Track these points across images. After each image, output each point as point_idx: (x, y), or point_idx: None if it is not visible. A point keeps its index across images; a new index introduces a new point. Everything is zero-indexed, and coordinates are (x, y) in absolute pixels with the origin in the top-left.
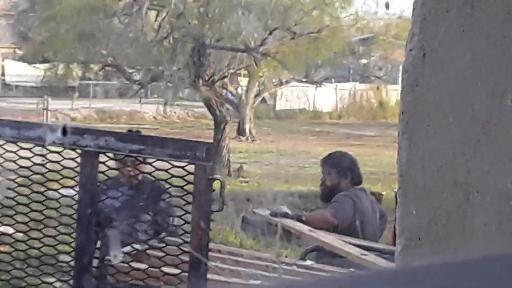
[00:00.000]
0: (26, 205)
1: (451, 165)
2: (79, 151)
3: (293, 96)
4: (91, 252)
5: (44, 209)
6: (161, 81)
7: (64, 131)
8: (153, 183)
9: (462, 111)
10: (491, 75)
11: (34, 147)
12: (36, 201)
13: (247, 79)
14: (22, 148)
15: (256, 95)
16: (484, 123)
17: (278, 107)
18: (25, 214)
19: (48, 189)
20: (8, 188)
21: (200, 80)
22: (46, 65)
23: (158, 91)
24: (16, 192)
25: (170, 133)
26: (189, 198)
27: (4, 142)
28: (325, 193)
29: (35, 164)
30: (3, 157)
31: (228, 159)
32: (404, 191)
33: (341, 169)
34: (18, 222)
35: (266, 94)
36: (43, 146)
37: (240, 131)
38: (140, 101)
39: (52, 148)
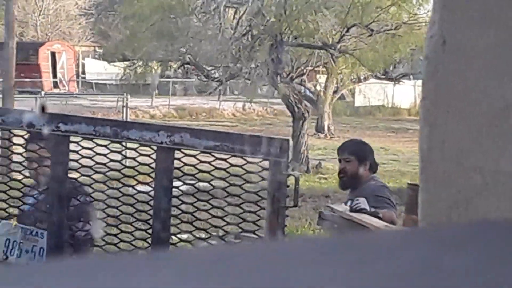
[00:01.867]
0: (103, 201)
1: (471, 151)
2: (154, 147)
3: (371, 93)
4: (168, 247)
5: (120, 205)
6: (239, 78)
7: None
8: (71, 184)
9: (482, 97)
10: (511, 61)
11: (110, 143)
12: (113, 198)
13: (325, 76)
14: (98, 145)
15: (335, 92)
16: (503, 109)
17: (356, 104)
18: (102, 210)
19: (125, 185)
20: (85, 185)
21: (279, 77)
22: (126, 63)
23: (237, 88)
24: (92, 188)
25: (249, 130)
26: (264, 194)
27: (81, 139)
28: (346, 181)
29: (111, 160)
30: (79, 154)
31: (307, 156)
32: (425, 177)
33: (360, 156)
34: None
35: (344, 91)
36: (119, 143)
37: (319, 128)
38: (219, 98)
39: (128, 145)
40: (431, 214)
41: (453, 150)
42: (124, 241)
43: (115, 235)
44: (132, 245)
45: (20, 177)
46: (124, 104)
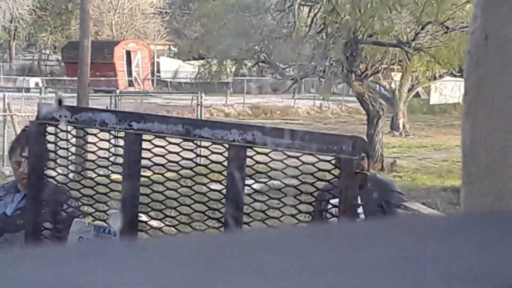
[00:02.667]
0: (175, 199)
1: None
2: (227, 145)
3: (447, 90)
4: None
5: (192, 203)
6: (314, 76)
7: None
8: (55, 188)
9: None
10: None
11: (182, 141)
12: (185, 196)
13: (400, 73)
14: (170, 143)
15: (410, 90)
16: None
17: (432, 102)
18: (174, 208)
19: (197, 183)
20: (157, 182)
21: (353, 75)
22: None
23: (312, 86)
24: (165, 186)
25: (324, 128)
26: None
27: (153, 137)
28: None
29: (183, 158)
30: (152, 152)
31: (381, 154)
32: (468, 171)
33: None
34: (167, 216)
35: (420, 89)
36: (191, 141)
37: (394, 126)
38: (293, 97)
39: (201, 143)
40: (474, 208)
41: (496, 145)
42: None
43: (187, 233)
44: None
45: (94, 175)
46: (199, 102)
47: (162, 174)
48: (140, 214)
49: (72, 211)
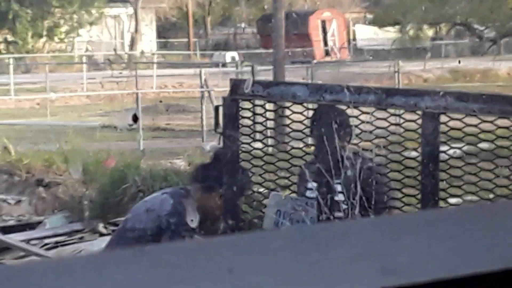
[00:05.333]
0: (369, 169)
1: None
2: (419, 112)
3: None
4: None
5: (388, 172)
6: None
7: (135, 119)
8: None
9: None
10: None
11: (375, 111)
12: (379, 165)
13: None
14: (363, 112)
15: None
16: None
17: None
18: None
19: (391, 152)
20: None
21: None
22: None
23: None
24: (359, 156)
25: None
26: None
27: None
28: None
29: (377, 128)
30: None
31: None
32: None
33: None
34: None
35: None
36: (384, 109)
37: None
38: (494, 59)
39: (393, 111)
40: None
41: None
42: (394, 208)
43: None
44: (402, 210)
45: (288, 148)
46: (396, 69)
47: (356, 145)
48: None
49: (244, 183)
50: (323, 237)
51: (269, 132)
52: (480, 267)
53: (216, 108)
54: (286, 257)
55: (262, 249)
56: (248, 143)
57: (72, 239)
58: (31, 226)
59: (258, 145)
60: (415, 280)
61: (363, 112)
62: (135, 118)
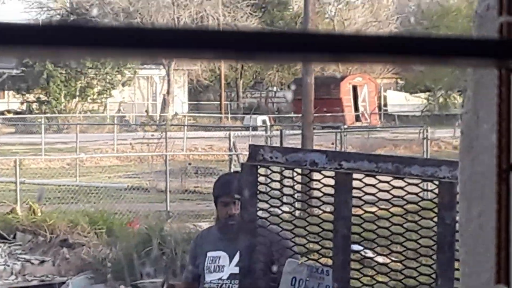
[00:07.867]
0: (387, 237)
1: None
2: (436, 182)
3: None
4: (452, 283)
5: (404, 241)
6: None
7: None
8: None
9: None
10: None
11: (392, 179)
12: (397, 234)
13: None
14: (381, 181)
15: None
16: None
17: None
18: (386, 247)
19: (407, 221)
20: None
21: None
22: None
23: None
24: (376, 224)
25: None
26: None
27: (363, 176)
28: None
29: (394, 196)
30: (362, 191)
31: None
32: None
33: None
34: (393, 252)
35: None
36: (401, 179)
37: None
38: None
39: (410, 181)
40: None
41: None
42: (409, 277)
43: (399, 271)
44: (417, 280)
45: (318, 212)
46: (425, 136)
47: (373, 213)
48: (366, 250)
49: (285, 251)
50: None
51: (285, 198)
52: None
53: (232, 174)
54: None
55: None
56: (266, 209)
57: None
58: (54, 287)
59: (277, 210)
60: None
61: (381, 181)
62: None
